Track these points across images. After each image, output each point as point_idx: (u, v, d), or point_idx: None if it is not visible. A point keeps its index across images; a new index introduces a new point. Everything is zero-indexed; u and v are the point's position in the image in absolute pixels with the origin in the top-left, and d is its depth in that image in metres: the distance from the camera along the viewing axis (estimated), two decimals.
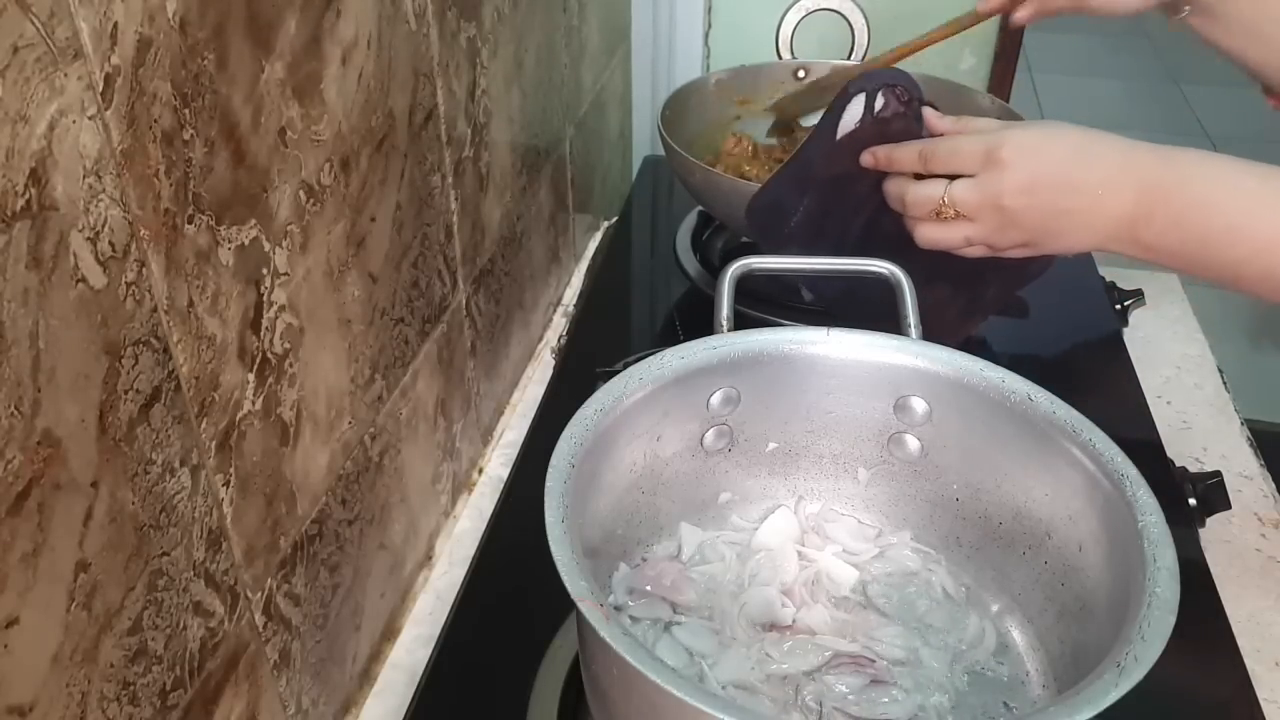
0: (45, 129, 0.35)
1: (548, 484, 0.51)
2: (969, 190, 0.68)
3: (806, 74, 1.14)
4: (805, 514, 0.68)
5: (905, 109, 0.72)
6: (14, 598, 0.36)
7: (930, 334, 0.65)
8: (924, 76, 1.06)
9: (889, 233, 0.74)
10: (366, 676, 0.69)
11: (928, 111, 0.75)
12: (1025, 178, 0.66)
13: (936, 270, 0.73)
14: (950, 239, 0.70)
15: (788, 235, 0.79)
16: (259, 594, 0.53)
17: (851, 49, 1.12)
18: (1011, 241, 0.69)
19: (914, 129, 0.73)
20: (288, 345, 0.53)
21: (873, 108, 0.72)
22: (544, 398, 0.91)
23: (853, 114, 0.73)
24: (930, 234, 0.71)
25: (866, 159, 0.74)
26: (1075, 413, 0.57)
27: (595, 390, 0.58)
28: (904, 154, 0.72)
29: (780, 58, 1.13)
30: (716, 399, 0.63)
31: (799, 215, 0.78)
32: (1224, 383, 0.96)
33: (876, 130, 0.73)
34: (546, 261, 1.02)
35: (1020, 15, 0.87)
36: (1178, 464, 0.82)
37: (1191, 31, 0.82)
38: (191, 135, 0.43)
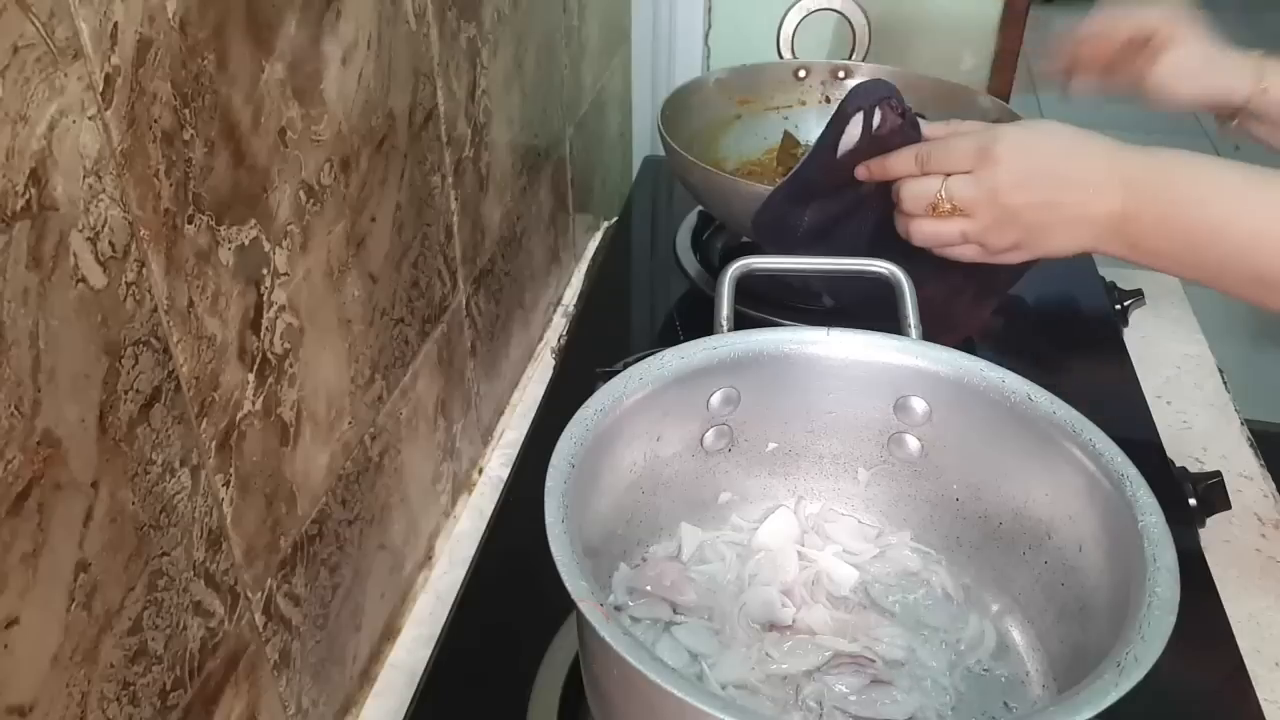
0: (45, 129, 0.35)
1: (548, 484, 0.51)
2: (966, 185, 0.68)
3: (807, 73, 1.14)
4: (805, 514, 0.68)
5: (902, 120, 0.72)
6: (14, 598, 0.36)
7: (947, 323, 0.65)
8: (924, 77, 1.07)
9: (897, 235, 0.74)
10: (366, 676, 0.69)
11: (920, 122, 0.75)
12: (1020, 172, 0.67)
13: (947, 261, 0.73)
14: (946, 234, 0.70)
15: (794, 246, 0.79)
16: (259, 594, 0.53)
17: (852, 48, 1.12)
18: (1006, 240, 0.69)
19: (912, 138, 0.73)
20: (288, 345, 0.53)
21: (870, 125, 0.72)
22: (544, 398, 0.91)
23: (852, 133, 0.73)
24: (926, 229, 0.71)
25: (861, 173, 0.74)
26: (1075, 413, 0.57)
27: (595, 390, 0.58)
28: (898, 162, 0.72)
29: (781, 57, 1.13)
30: (716, 399, 0.63)
31: (804, 228, 0.78)
32: (1224, 383, 0.96)
33: (876, 147, 0.73)
34: (546, 261, 1.02)
35: (1076, 87, 0.88)
36: (1178, 464, 0.82)
37: (1249, 138, 0.83)
38: (191, 135, 0.43)
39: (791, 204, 0.78)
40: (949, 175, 0.69)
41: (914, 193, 0.71)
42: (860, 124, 0.73)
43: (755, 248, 0.98)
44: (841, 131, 0.73)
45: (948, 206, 0.69)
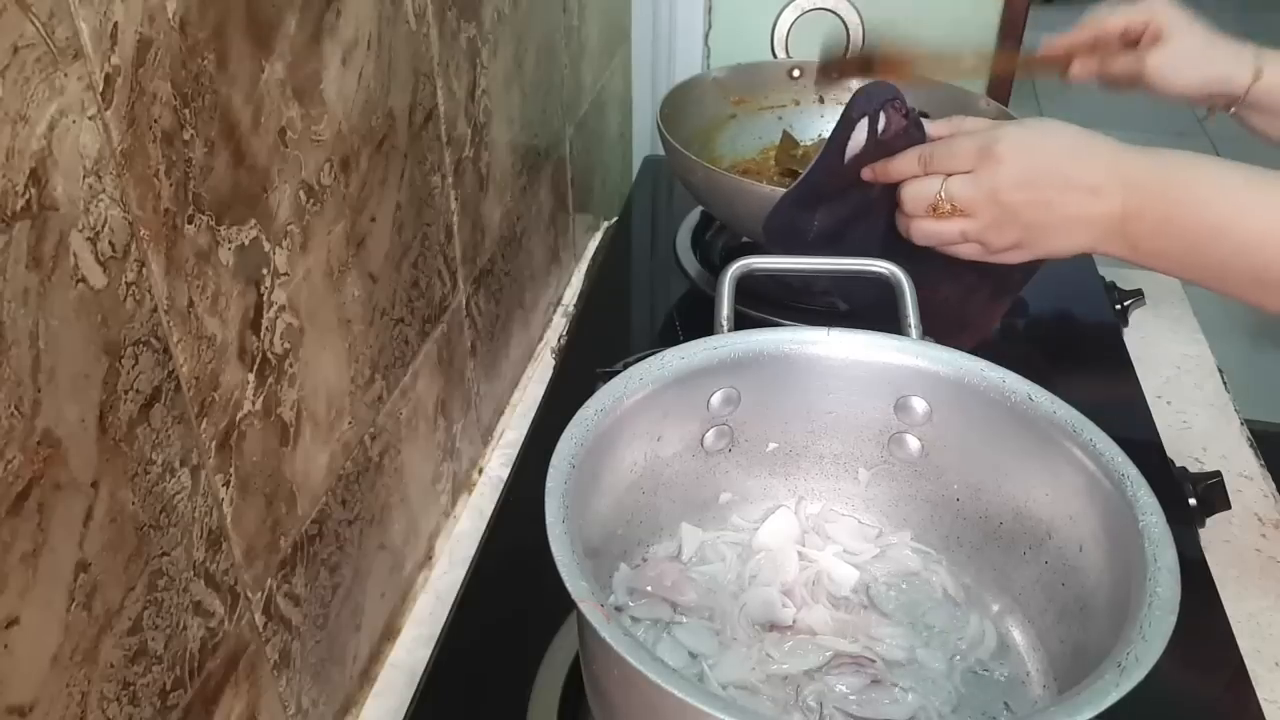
0: (45, 129, 0.35)
1: (548, 484, 0.51)
2: (966, 185, 0.68)
3: (801, 73, 1.14)
4: (805, 514, 0.68)
5: (906, 120, 0.72)
6: (14, 598, 0.36)
7: (962, 323, 0.65)
8: (921, 79, 1.06)
9: (900, 237, 0.74)
10: (366, 676, 0.68)
11: (924, 122, 0.75)
12: (1021, 172, 0.67)
13: (960, 263, 0.73)
14: (945, 233, 0.70)
15: (805, 250, 0.79)
16: (259, 594, 0.53)
17: (846, 48, 1.12)
18: (1006, 240, 0.69)
19: (917, 139, 0.73)
20: (288, 345, 0.53)
21: (876, 129, 0.72)
22: (544, 398, 0.91)
23: (858, 138, 0.73)
24: (926, 229, 0.71)
25: (867, 175, 0.74)
26: (1075, 413, 0.57)
27: (595, 390, 0.58)
28: (902, 164, 0.72)
29: (776, 57, 1.13)
30: (716, 399, 0.63)
31: (814, 232, 0.78)
32: (1224, 383, 0.96)
33: (882, 151, 0.73)
34: (546, 261, 1.02)
35: (1076, 71, 0.88)
36: (1178, 464, 0.82)
37: (1243, 125, 0.84)
38: (191, 135, 0.43)
39: (801, 209, 0.78)
40: (950, 175, 0.69)
41: (914, 193, 0.71)
42: (866, 128, 0.73)
43: (756, 247, 0.98)
44: (848, 136, 0.73)
45: (948, 207, 0.69)
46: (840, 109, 0.75)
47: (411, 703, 0.65)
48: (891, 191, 0.74)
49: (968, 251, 0.71)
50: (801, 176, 0.78)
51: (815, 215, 0.78)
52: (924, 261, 0.71)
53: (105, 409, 0.39)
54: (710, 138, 1.11)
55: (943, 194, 0.69)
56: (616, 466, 0.60)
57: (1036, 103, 3.77)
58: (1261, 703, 0.64)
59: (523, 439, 0.87)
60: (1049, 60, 0.90)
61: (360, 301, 0.61)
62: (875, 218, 0.76)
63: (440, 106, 0.70)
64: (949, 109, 1.07)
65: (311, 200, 0.54)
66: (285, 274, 0.52)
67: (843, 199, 0.76)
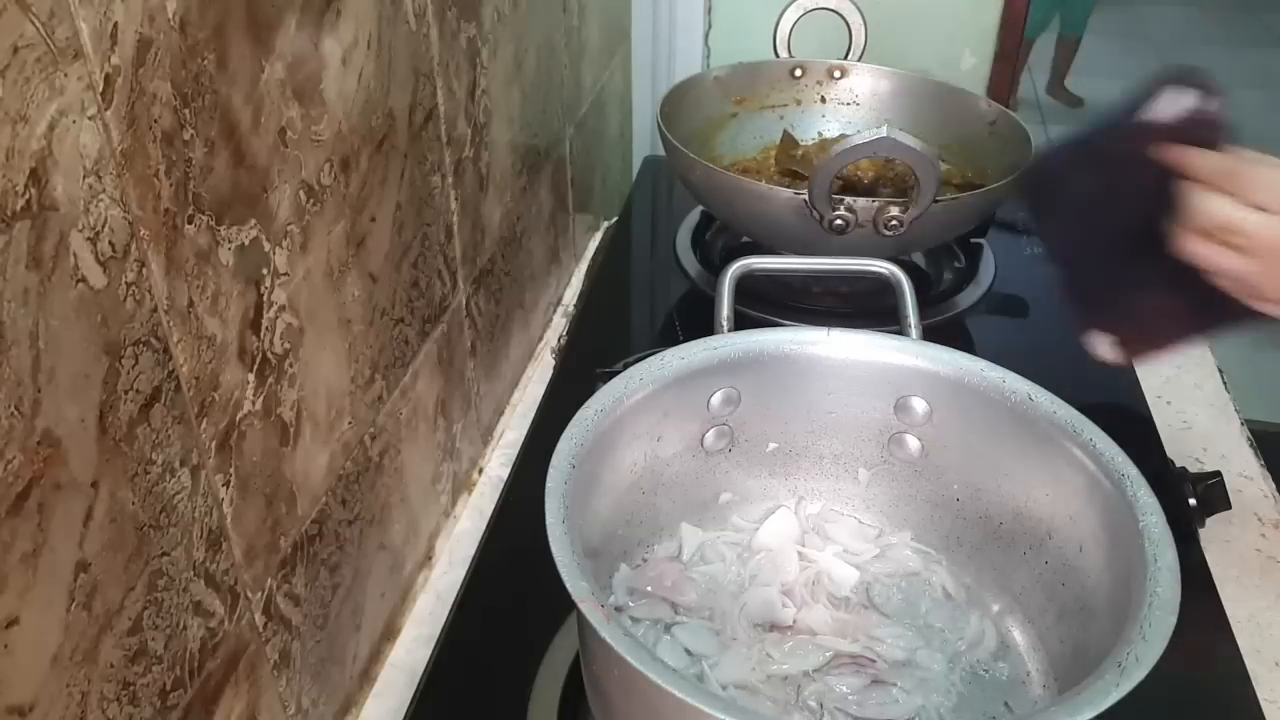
0: (45, 129, 0.35)
1: (548, 484, 0.51)
2: (1268, 228, 0.62)
3: (803, 73, 1.14)
4: (806, 514, 0.68)
5: (1214, 118, 0.66)
6: (14, 598, 0.36)
7: (1138, 334, 0.64)
8: (922, 78, 1.07)
9: (1156, 230, 0.68)
10: (366, 676, 0.69)
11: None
12: None
13: (1182, 275, 0.67)
14: (1218, 264, 0.64)
15: (1061, 209, 0.75)
16: (259, 594, 0.53)
17: (849, 49, 1.12)
18: (1275, 291, 0.64)
19: (1210, 140, 0.66)
20: (288, 345, 0.53)
21: (1195, 105, 0.66)
22: (544, 398, 0.91)
23: (1170, 103, 0.67)
24: (1199, 250, 0.65)
25: (1167, 153, 0.67)
26: (1076, 413, 0.57)
27: (595, 390, 0.58)
28: (1206, 164, 0.65)
29: (778, 56, 1.13)
30: (717, 399, 0.63)
31: (1076, 191, 0.74)
32: (1224, 383, 0.96)
33: (1185, 128, 0.67)
34: (546, 261, 1.02)
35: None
36: (1178, 464, 0.82)
37: None
38: (191, 135, 0.43)
39: (1074, 165, 0.74)
40: (1247, 205, 0.62)
41: (1208, 209, 0.64)
42: (1184, 97, 0.67)
43: (756, 247, 0.98)
44: (1152, 98, 0.68)
45: (1240, 241, 0.63)
46: (841, 110, 0.75)
47: (411, 703, 0.65)
48: (1162, 182, 0.67)
49: (1226, 285, 0.65)
50: (1085, 133, 0.73)
51: (1084, 177, 0.73)
52: (1146, 264, 0.67)
53: (105, 409, 0.39)
54: (710, 137, 1.11)
55: (1238, 226, 0.63)
56: (616, 466, 0.60)
57: (1037, 99, 3.77)
58: (1261, 703, 0.64)
59: (523, 439, 0.87)
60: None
61: (360, 301, 0.61)
62: (1132, 202, 0.71)
63: (440, 106, 0.70)
64: (949, 108, 1.07)
65: (311, 200, 0.54)
66: (285, 274, 0.52)
67: (1114, 171, 0.71)
